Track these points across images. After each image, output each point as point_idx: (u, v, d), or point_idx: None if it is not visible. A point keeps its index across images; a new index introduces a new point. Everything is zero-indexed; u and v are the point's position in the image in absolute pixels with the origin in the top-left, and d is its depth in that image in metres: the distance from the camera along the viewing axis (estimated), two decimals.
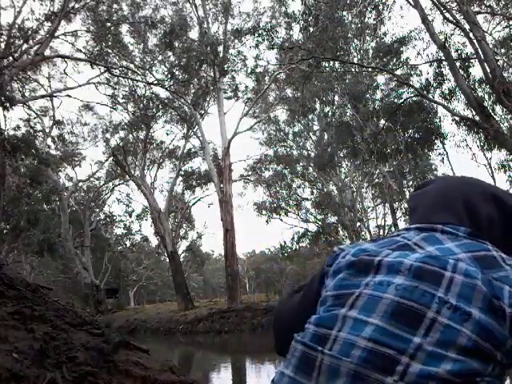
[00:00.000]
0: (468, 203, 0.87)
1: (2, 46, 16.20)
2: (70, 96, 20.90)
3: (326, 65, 19.12)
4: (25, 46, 17.21)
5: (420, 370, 0.64)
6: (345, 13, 18.79)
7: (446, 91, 16.97)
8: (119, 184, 30.59)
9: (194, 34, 30.14)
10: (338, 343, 0.70)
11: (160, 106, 24.42)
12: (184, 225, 32.60)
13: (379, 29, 21.04)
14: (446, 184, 0.94)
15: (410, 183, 22.12)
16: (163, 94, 23.97)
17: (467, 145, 20.83)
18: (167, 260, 27.61)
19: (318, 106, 23.78)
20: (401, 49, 19.53)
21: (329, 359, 0.68)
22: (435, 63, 16.49)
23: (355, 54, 20.85)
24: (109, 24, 20.05)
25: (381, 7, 20.01)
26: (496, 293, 0.69)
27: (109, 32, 20.16)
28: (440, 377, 0.63)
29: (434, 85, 16.99)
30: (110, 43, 20.60)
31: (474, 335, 0.66)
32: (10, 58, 15.80)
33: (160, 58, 22.26)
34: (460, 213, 0.85)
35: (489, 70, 11.59)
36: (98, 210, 31.88)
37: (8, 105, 14.68)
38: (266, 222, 25.65)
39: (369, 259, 0.79)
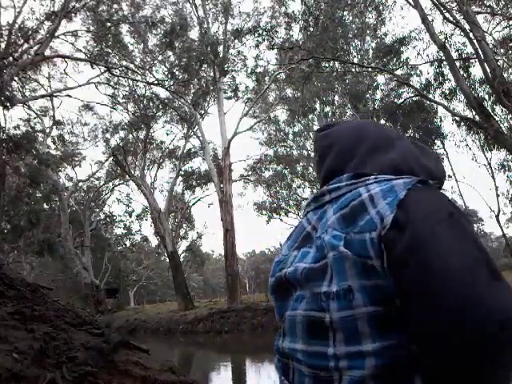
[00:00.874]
0: (386, 135, 0.87)
1: (2, 45, 16.19)
2: (70, 96, 20.95)
3: (326, 65, 19.08)
4: (25, 46, 17.23)
5: (350, 380, 0.60)
6: (345, 13, 18.76)
7: (447, 91, 16.97)
8: (119, 184, 30.60)
9: (194, 33, 30.18)
10: (296, 373, 0.70)
11: (160, 106, 24.42)
12: (184, 225, 32.60)
13: (379, 29, 21.06)
14: (358, 123, 0.95)
15: None
16: (163, 93, 24.01)
17: (467, 145, 20.83)
18: (167, 260, 27.59)
19: (318, 106, 23.75)
20: (401, 49, 19.52)
21: None
22: (435, 63, 16.47)
23: (355, 54, 20.84)
24: (109, 24, 20.02)
25: (381, 8, 20.02)
26: (359, 251, 0.63)
27: (109, 32, 20.13)
28: (370, 375, 0.60)
29: (435, 85, 16.99)
30: (110, 43, 20.57)
31: (369, 306, 0.61)
32: (11, 57, 15.78)
33: (160, 57, 22.25)
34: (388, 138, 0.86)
35: (489, 70, 11.59)
36: (98, 209, 31.87)
37: (8, 104, 14.67)
38: (266, 222, 25.67)
39: (280, 277, 0.77)
